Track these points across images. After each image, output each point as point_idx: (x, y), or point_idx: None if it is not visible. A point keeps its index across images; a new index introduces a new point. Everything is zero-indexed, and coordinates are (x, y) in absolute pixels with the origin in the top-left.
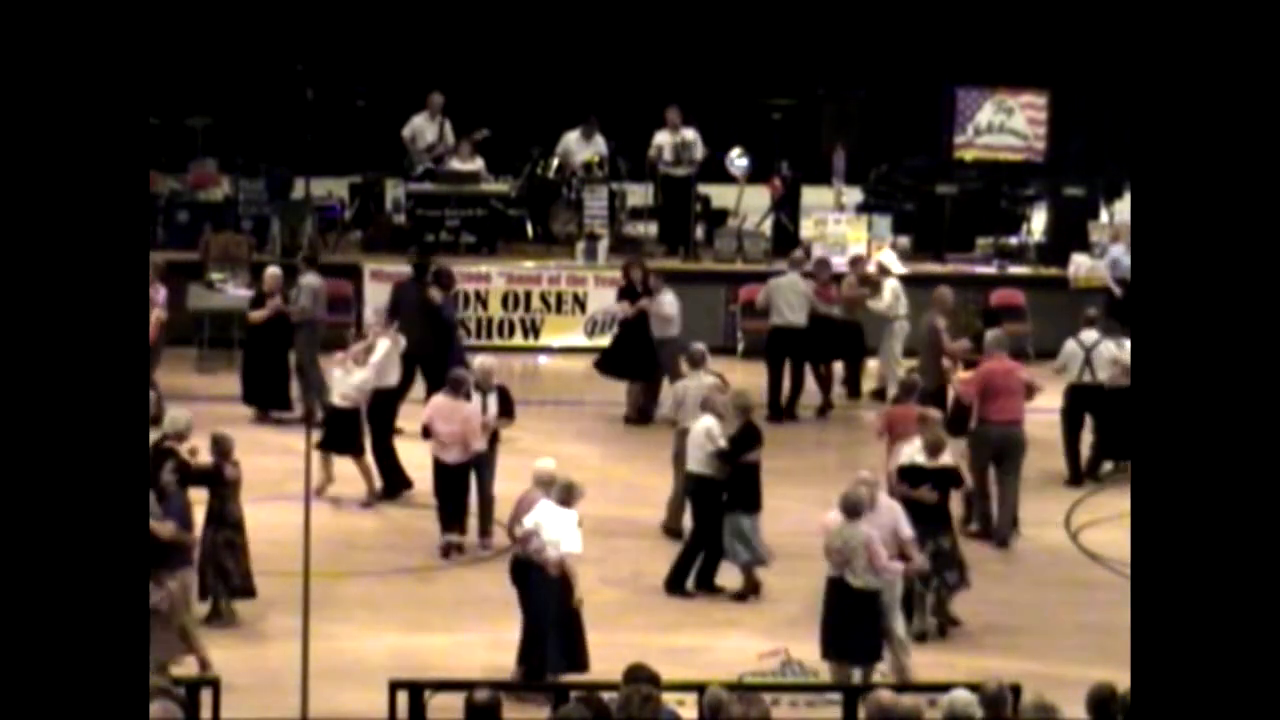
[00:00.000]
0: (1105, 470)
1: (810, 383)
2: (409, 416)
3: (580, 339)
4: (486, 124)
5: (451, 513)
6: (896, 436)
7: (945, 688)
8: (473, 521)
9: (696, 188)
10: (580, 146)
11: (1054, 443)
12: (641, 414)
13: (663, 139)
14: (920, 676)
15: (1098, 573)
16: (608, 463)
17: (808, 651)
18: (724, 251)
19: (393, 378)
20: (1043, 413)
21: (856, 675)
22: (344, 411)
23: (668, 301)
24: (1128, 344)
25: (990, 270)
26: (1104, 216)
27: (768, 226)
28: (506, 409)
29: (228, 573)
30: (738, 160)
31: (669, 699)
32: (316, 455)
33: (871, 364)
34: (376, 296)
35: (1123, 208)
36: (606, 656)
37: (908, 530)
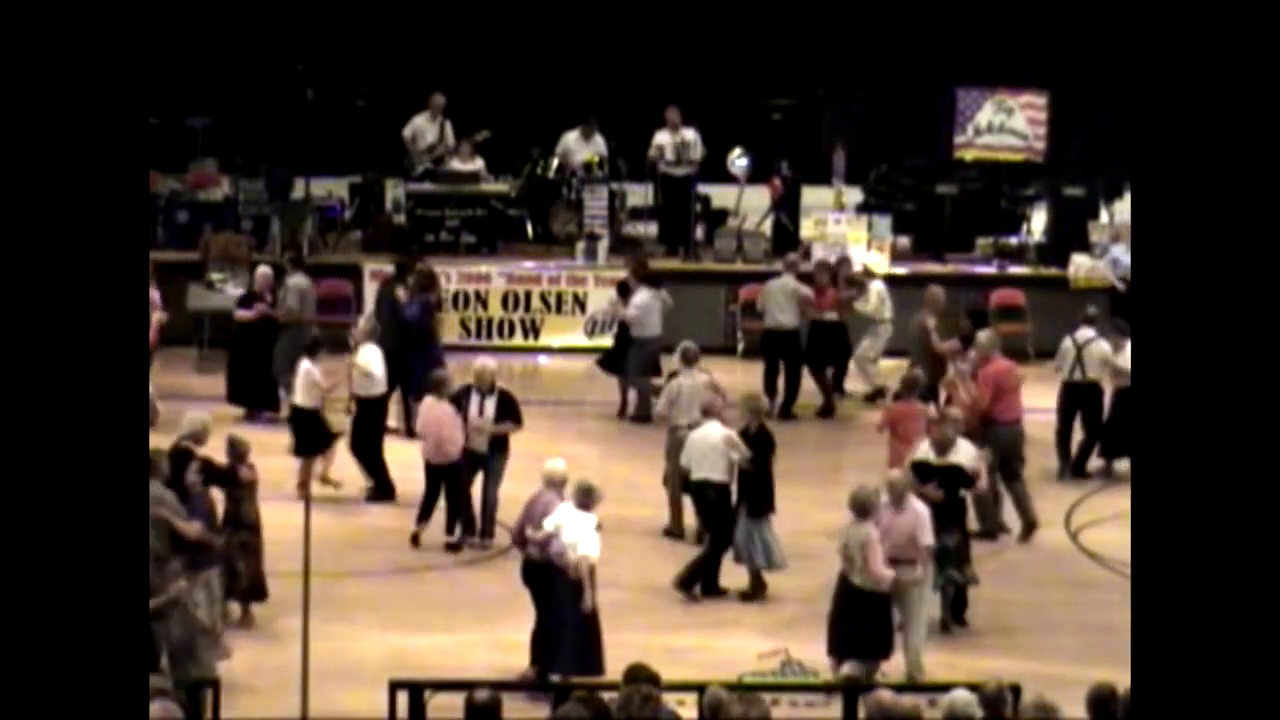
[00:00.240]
0: (1094, 467)
1: (811, 383)
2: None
3: (580, 339)
4: (486, 124)
5: (423, 508)
6: (898, 433)
7: (945, 688)
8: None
9: (696, 188)
10: (580, 146)
11: (1051, 442)
12: (637, 412)
13: (663, 139)
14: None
15: (1098, 573)
16: (608, 463)
17: (808, 651)
18: (724, 251)
19: (378, 387)
20: (1042, 413)
21: (849, 669)
22: (306, 412)
23: (634, 303)
24: (1125, 347)
25: (990, 270)
26: (1104, 216)
27: (768, 226)
28: (509, 413)
29: (237, 575)
30: (738, 160)
31: (669, 699)
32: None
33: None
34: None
35: (1123, 208)
36: (607, 656)
37: (926, 538)
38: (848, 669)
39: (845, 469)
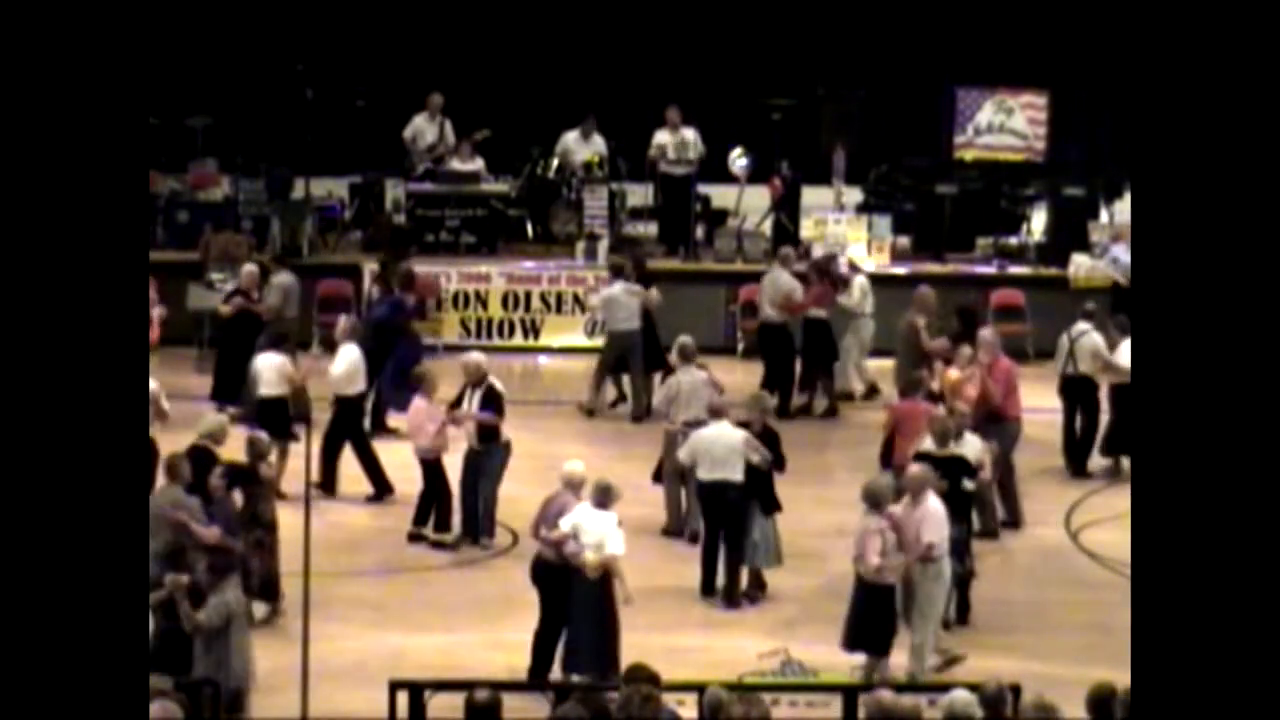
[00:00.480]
0: (1100, 466)
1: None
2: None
3: (580, 339)
4: (486, 124)
5: (418, 506)
6: (902, 432)
7: (945, 688)
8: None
9: (696, 188)
10: (580, 146)
11: (1052, 442)
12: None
13: (663, 139)
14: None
15: (1098, 573)
16: (608, 463)
17: (808, 651)
18: (724, 251)
19: (354, 386)
20: (1043, 412)
21: (858, 661)
22: (271, 400)
23: (600, 293)
24: (1122, 343)
25: (990, 270)
26: (1104, 216)
27: (768, 226)
28: (492, 406)
29: (250, 573)
30: (738, 160)
31: (669, 699)
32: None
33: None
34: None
35: (1123, 208)
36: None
37: (926, 536)
38: (857, 661)
39: (843, 469)
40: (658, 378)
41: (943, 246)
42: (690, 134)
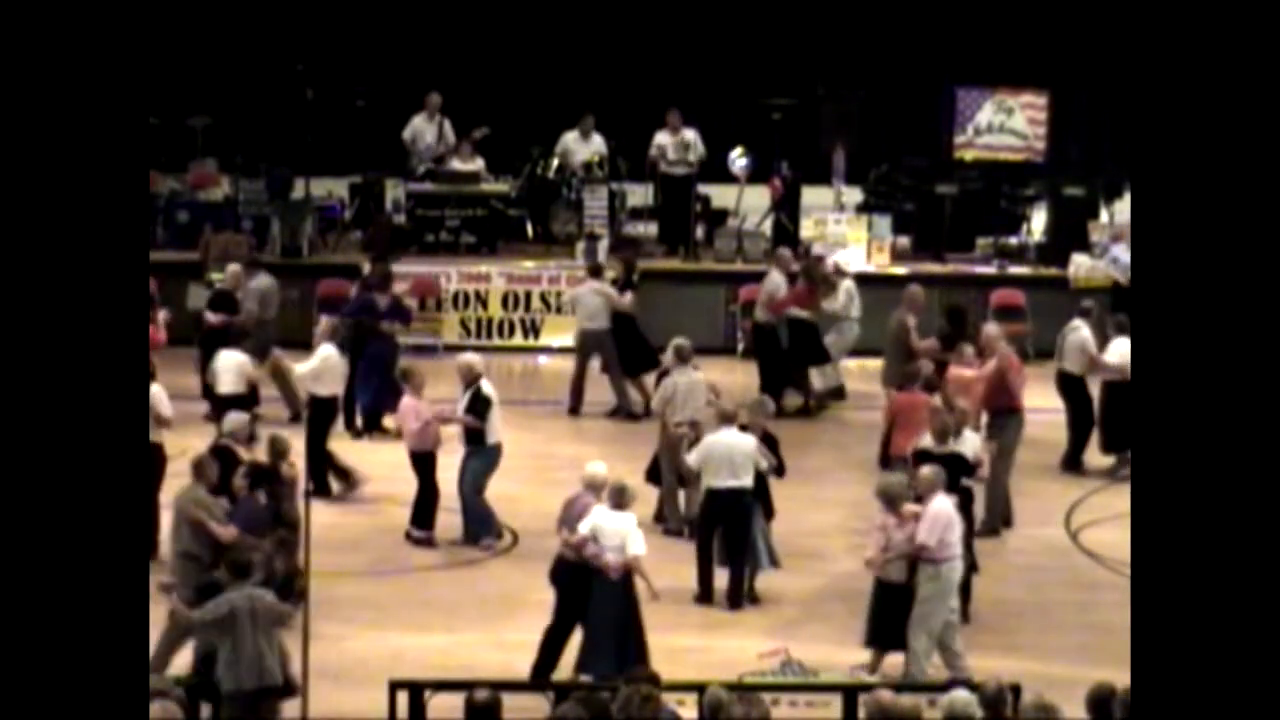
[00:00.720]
0: (1102, 465)
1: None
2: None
3: None
4: (486, 124)
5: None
6: (901, 424)
7: (945, 688)
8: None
9: (696, 188)
10: (579, 146)
11: (1053, 442)
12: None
13: (663, 139)
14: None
15: (1098, 572)
16: (607, 462)
17: (808, 651)
18: (724, 251)
19: (324, 386)
20: (1043, 412)
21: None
22: (230, 398)
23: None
24: (1116, 341)
25: (990, 270)
26: (1104, 216)
27: (768, 226)
28: (474, 408)
29: (273, 572)
30: (738, 160)
31: (669, 699)
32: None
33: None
34: None
35: (1123, 208)
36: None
37: (920, 535)
38: (857, 661)
39: (840, 469)
40: (651, 379)
41: (943, 246)
42: (691, 136)
